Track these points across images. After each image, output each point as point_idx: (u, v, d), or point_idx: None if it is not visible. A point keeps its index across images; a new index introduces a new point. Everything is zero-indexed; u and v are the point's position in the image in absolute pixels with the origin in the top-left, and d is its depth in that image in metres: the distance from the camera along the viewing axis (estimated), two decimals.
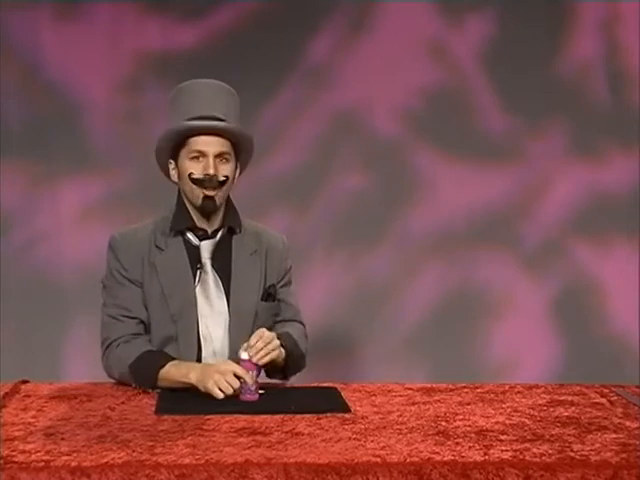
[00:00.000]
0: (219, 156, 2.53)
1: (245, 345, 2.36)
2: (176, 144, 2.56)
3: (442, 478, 1.76)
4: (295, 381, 2.63)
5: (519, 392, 2.48)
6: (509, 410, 2.25)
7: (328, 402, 2.30)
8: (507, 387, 2.54)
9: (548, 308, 4.19)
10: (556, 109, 4.17)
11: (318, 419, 2.12)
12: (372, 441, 1.93)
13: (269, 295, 2.63)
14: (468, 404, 2.32)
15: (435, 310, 4.18)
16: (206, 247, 2.59)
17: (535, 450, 1.87)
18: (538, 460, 1.81)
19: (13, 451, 1.83)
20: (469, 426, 2.07)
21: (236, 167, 2.60)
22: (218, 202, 2.55)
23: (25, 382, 2.52)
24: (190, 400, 2.28)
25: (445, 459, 1.81)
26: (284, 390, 2.51)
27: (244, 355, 2.34)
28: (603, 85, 4.20)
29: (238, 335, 2.49)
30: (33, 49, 4.11)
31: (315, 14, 4.17)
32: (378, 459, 1.80)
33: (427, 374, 4.00)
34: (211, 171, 2.51)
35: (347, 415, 2.18)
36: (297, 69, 4.18)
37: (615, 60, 4.20)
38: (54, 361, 4.04)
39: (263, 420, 2.09)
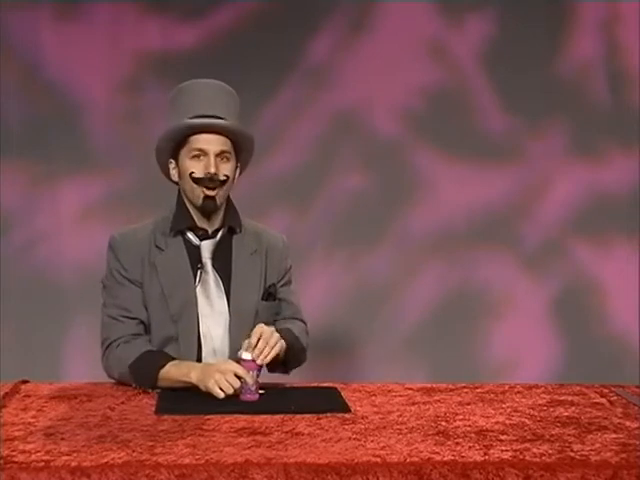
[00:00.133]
0: (220, 155, 2.53)
1: (246, 344, 2.36)
2: (176, 143, 2.56)
3: (442, 478, 1.76)
4: (295, 381, 2.63)
5: (519, 392, 2.48)
6: (509, 410, 2.25)
7: (328, 402, 2.30)
8: (507, 387, 2.54)
9: (548, 308, 4.19)
10: (556, 109, 4.17)
11: (318, 419, 2.12)
12: (372, 441, 1.93)
13: (269, 294, 2.63)
14: (468, 404, 2.32)
15: (435, 310, 4.18)
16: (206, 247, 2.59)
17: (535, 450, 1.87)
18: (538, 460, 1.81)
19: (13, 451, 1.83)
20: (469, 426, 2.07)
21: (236, 166, 2.60)
22: (219, 202, 2.55)
23: (25, 382, 2.52)
24: (190, 400, 2.28)
25: (445, 459, 1.81)
26: (284, 390, 2.51)
27: (245, 355, 2.33)
28: (603, 85, 4.20)
29: (238, 335, 2.49)
30: (33, 49, 4.11)
31: (315, 14, 4.17)
32: (378, 459, 1.80)
33: (427, 374, 4.01)
34: (212, 170, 2.51)
35: (347, 415, 2.18)
36: (297, 69, 4.18)
37: (615, 60, 4.20)
38: (54, 361, 4.04)
39: (263, 420, 2.09)
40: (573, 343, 4.17)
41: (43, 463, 1.75)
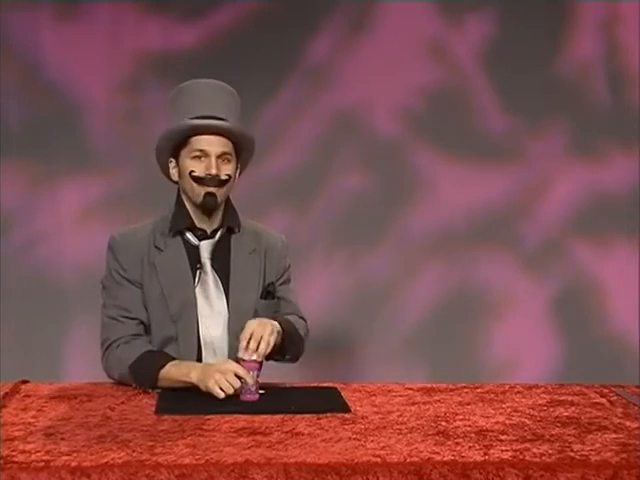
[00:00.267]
0: (221, 156, 2.53)
1: (244, 344, 2.36)
2: (177, 143, 2.56)
3: (442, 478, 1.76)
4: (295, 381, 2.63)
5: (519, 392, 2.48)
6: (509, 410, 2.25)
7: (328, 402, 2.30)
8: (507, 387, 2.54)
9: (548, 308, 4.19)
10: (556, 109, 4.17)
11: (318, 419, 2.12)
12: (372, 441, 1.93)
13: (268, 293, 2.63)
14: (468, 404, 2.32)
15: (435, 310, 4.18)
16: (205, 247, 2.59)
17: (535, 450, 1.87)
18: (538, 460, 1.81)
19: (13, 451, 1.82)
20: (469, 426, 2.07)
21: (237, 167, 2.60)
22: (219, 199, 2.55)
23: (25, 382, 2.52)
24: (190, 400, 2.28)
25: (445, 459, 1.81)
26: (284, 390, 2.51)
27: (244, 355, 2.33)
28: (603, 85, 4.20)
29: (238, 334, 2.47)
30: (33, 49, 4.11)
31: (315, 14, 4.17)
32: (378, 459, 1.80)
33: (427, 374, 4.01)
34: (213, 171, 2.51)
35: (347, 415, 2.18)
36: (297, 69, 4.18)
37: (615, 60, 4.20)
38: (54, 361, 4.04)
39: (263, 420, 2.09)
40: (573, 343, 4.17)
41: (43, 463, 1.75)
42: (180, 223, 2.59)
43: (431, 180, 4.19)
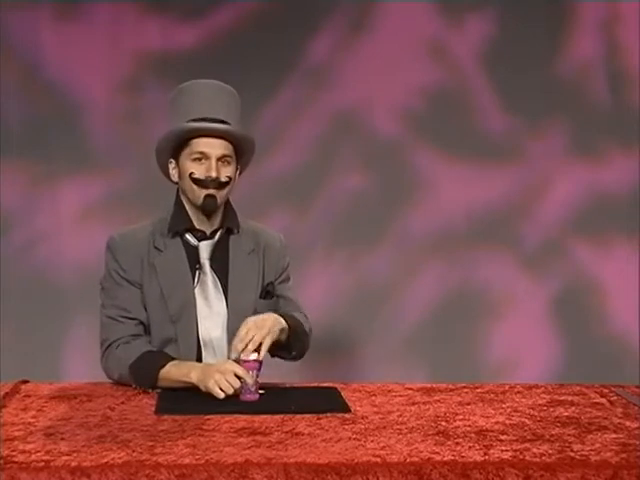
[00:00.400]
0: (221, 158, 2.53)
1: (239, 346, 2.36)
2: (177, 145, 2.56)
3: (442, 478, 1.76)
4: (295, 381, 2.63)
5: (519, 392, 2.48)
6: (509, 410, 2.25)
7: (328, 402, 2.30)
8: (507, 387, 2.54)
9: (548, 308, 4.19)
10: (556, 109, 4.17)
11: (318, 419, 2.12)
12: (372, 441, 1.93)
13: (267, 292, 2.63)
14: (468, 404, 2.32)
15: (435, 310, 4.18)
16: (204, 247, 2.58)
17: (535, 450, 1.87)
18: (538, 460, 1.81)
19: (13, 451, 1.82)
20: (469, 426, 2.07)
21: (237, 168, 2.60)
22: (219, 201, 2.55)
23: (25, 382, 2.52)
24: (190, 400, 2.28)
25: (445, 459, 1.81)
26: (284, 390, 2.51)
27: (244, 356, 2.34)
28: (603, 85, 4.20)
29: None
30: (33, 49, 4.11)
31: (315, 14, 4.17)
32: (378, 459, 1.80)
33: (427, 374, 4.00)
34: (213, 174, 2.51)
35: (347, 415, 2.18)
36: (297, 69, 4.18)
37: (615, 60, 4.20)
38: (54, 361, 4.04)
39: (263, 420, 2.09)
40: (573, 343, 4.17)
41: (43, 463, 1.75)
42: (179, 224, 2.59)
43: (431, 180, 4.19)
